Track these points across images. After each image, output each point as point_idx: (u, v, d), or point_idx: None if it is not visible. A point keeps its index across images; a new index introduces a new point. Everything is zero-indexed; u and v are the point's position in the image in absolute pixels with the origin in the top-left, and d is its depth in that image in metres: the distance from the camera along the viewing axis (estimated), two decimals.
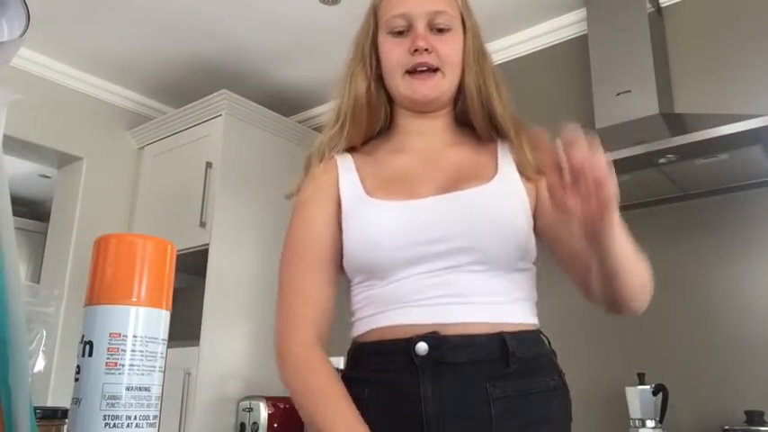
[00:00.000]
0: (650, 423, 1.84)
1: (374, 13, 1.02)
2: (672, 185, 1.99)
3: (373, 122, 1.04)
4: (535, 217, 0.98)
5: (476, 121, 1.02)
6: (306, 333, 0.95)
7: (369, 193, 0.97)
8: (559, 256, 0.98)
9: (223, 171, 2.80)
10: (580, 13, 2.45)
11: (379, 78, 1.02)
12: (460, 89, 1.02)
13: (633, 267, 0.87)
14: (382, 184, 0.98)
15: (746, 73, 2.08)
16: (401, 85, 0.98)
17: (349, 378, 0.95)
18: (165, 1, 2.51)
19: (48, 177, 4.14)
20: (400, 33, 0.98)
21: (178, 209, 2.90)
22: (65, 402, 0.60)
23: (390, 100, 1.04)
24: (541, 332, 0.98)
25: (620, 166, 1.86)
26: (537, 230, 0.98)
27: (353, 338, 0.99)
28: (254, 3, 2.50)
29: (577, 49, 2.46)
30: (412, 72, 0.96)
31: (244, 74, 3.00)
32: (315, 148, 1.05)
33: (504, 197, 0.95)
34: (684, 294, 2.03)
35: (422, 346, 0.87)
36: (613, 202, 0.75)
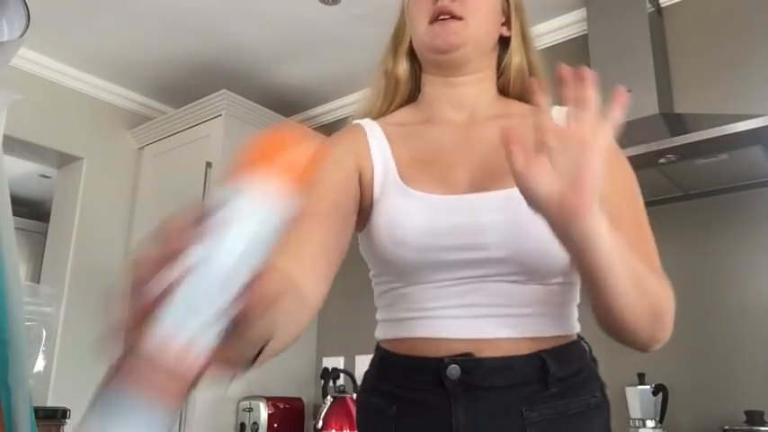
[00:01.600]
0: (650, 423, 1.84)
1: None
2: (672, 185, 1.99)
3: (392, 97, 0.97)
4: None
5: (517, 88, 0.94)
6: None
7: (402, 177, 0.86)
8: None
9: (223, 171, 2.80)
10: (580, 13, 2.45)
11: (405, 53, 0.96)
12: (503, 54, 0.94)
13: (632, 288, 0.70)
14: (415, 166, 0.87)
15: (746, 73, 2.08)
16: (423, 34, 0.89)
17: (374, 389, 0.87)
18: (165, 1, 2.51)
19: (48, 177, 4.14)
20: None
21: (178, 209, 2.89)
22: (65, 402, 0.60)
23: (418, 74, 0.97)
24: (582, 338, 0.88)
25: None
26: None
27: (378, 340, 0.90)
28: (254, 3, 2.50)
29: (577, 49, 2.46)
30: (434, 21, 0.88)
31: (244, 74, 3.00)
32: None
33: None
34: (684, 294, 2.02)
35: (454, 370, 0.78)
36: (596, 187, 0.60)
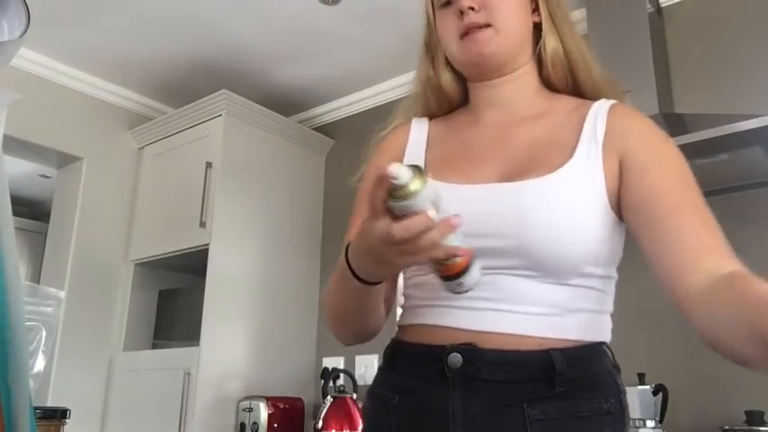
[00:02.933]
0: (650, 423, 1.84)
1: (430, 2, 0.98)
2: None
3: (443, 104, 0.99)
4: (621, 198, 0.82)
5: (569, 81, 0.95)
6: None
7: (428, 170, 0.84)
8: (650, 248, 0.80)
9: (223, 171, 2.79)
10: (580, 14, 2.44)
11: (444, 63, 0.97)
12: (542, 49, 0.94)
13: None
14: (443, 160, 0.91)
15: (746, 73, 2.08)
16: (456, 53, 0.91)
17: (382, 381, 0.90)
18: (165, 1, 2.51)
19: (48, 177, 4.14)
20: (448, 3, 0.91)
21: (178, 209, 2.89)
22: (65, 402, 0.60)
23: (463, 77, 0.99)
24: (606, 345, 0.85)
25: None
26: (624, 215, 0.82)
27: (398, 326, 0.92)
28: (254, 3, 2.50)
29: None
30: (464, 36, 0.89)
31: (244, 74, 3.00)
32: (393, 118, 1.02)
33: (569, 194, 0.81)
34: None
35: (455, 358, 0.79)
36: None
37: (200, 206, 2.75)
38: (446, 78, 0.97)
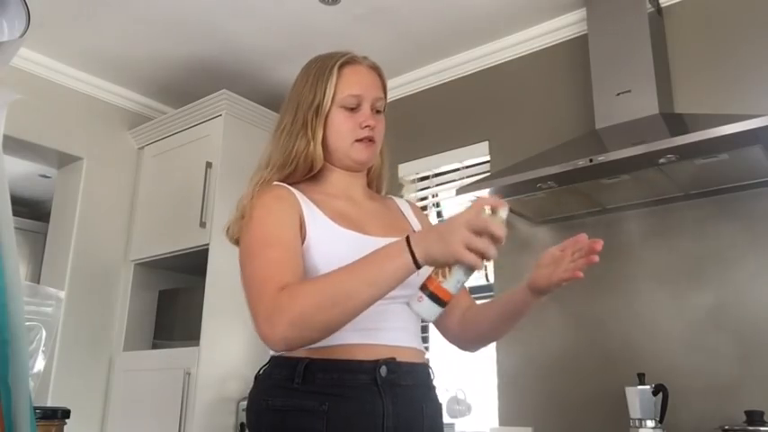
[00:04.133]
0: (650, 423, 1.84)
1: (323, 88, 1.22)
2: (672, 185, 1.99)
3: (311, 170, 1.22)
4: None
5: (376, 183, 1.34)
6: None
7: (333, 220, 1.15)
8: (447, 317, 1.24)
9: (223, 171, 2.80)
10: (580, 13, 2.45)
11: (319, 137, 1.21)
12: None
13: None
14: (338, 217, 1.16)
15: (746, 73, 2.08)
16: (351, 150, 1.22)
17: (299, 392, 1.04)
18: (165, 1, 2.51)
19: (48, 177, 4.14)
20: (351, 110, 1.22)
21: (178, 209, 2.90)
22: (65, 402, 0.60)
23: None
24: None
25: (621, 166, 1.86)
26: None
27: (300, 354, 1.05)
28: (253, 3, 2.50)
29: (577, 49, 2.46)
30: (359, 141, 1.21)
31: (244, 74, 3.00)
32: (256, 180, 1.24)
33: None
34: (684, 294, 2.03)
35: (384, 370, 1.07)
36: None
37: (200, 206, 2.75)
38: (320, 154, 1.22)
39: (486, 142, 2.65)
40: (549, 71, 2.57)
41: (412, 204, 1.39)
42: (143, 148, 3.22)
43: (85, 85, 3.08)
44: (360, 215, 1.22)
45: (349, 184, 1.27)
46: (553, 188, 2.00)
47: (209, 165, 2.80)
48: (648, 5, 2.16)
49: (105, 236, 3.05)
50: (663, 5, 2.29)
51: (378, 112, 1.25)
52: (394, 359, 1.08)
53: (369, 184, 1.34)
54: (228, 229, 1.21)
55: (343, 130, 1.22)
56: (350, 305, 0.94)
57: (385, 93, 1.30)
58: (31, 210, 4.73)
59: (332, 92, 1.22)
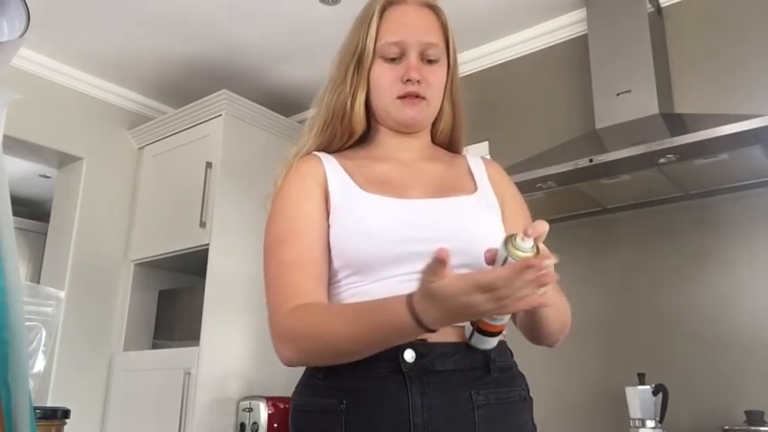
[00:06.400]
0: (650, 423, 1.84)
1: (364, 35, 1.05)
2: (672, 185, 1.99)
3: (351, 134, 1.08)
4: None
5: (445, 143, 1.15)
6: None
7: (361, 187, 1.00)
8: None
9: (223, 171, 2.80)
10: (580, 13, 2.45)
11: (360, 95, 1.06)
12: (439, 114, 1.11)
13: (555, 316, 0.95)
14: (371, 182, 1.01)
15: (746, 73, 2.08)
16: (391, 109, 1.04)
17: (319, 389, 0.93)
18: (165, 1, 2.51)
19: (48, 177, 4.14)
20: (393, 60, 1.04)
21: (178, 209, 2.90)
22: (65, 402, 0.60)
23: (369, 114, 1.09)
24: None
25: (620, 166, 1.87)
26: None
27: None
28: (254, 3, 2.50)
29: (577, 49, 2.46)
30: (402, 97, 1.03)
31: (244, 74, 3.00)
32: (294, 152, 1.08)
33: (487, 210, 1.03)
34: (684, 294, 2.03)
35: (409, 354, 0.87)
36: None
37: (200, 206, 2.75)
38: (359, 115, 1.06)
39: (486, 142, 2.65)
40: (549, 71, 2.57)
41: (489, 163, 1.15)
42: (143, 148, 3.22)
43: (85, 85, 3.08)
44: (404, 177, 1.04)
45: (398, 144, 1.08)
46: (553, 188, 2.00)
47: (209, 165, 2.79)
48: (648, 5, 2.16)
49: (105, 236, 3.05)
50: (663, 5, 2.29)
51: (430, 61, 1.04)
52: (424, 341, 0.86)
53: (433, 138, 1.15)
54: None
55: (381, 85, 1.04)
56: (354, 357, 0.87)
57: (446, 36, 1.07)
58: (31, 210, 4.73)
59: (373, 40, 1.04)
